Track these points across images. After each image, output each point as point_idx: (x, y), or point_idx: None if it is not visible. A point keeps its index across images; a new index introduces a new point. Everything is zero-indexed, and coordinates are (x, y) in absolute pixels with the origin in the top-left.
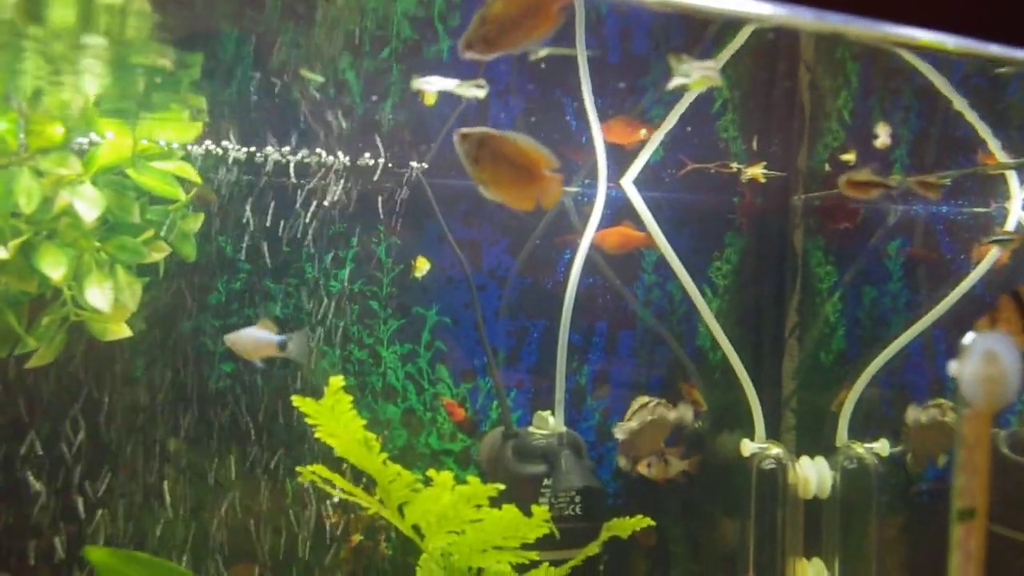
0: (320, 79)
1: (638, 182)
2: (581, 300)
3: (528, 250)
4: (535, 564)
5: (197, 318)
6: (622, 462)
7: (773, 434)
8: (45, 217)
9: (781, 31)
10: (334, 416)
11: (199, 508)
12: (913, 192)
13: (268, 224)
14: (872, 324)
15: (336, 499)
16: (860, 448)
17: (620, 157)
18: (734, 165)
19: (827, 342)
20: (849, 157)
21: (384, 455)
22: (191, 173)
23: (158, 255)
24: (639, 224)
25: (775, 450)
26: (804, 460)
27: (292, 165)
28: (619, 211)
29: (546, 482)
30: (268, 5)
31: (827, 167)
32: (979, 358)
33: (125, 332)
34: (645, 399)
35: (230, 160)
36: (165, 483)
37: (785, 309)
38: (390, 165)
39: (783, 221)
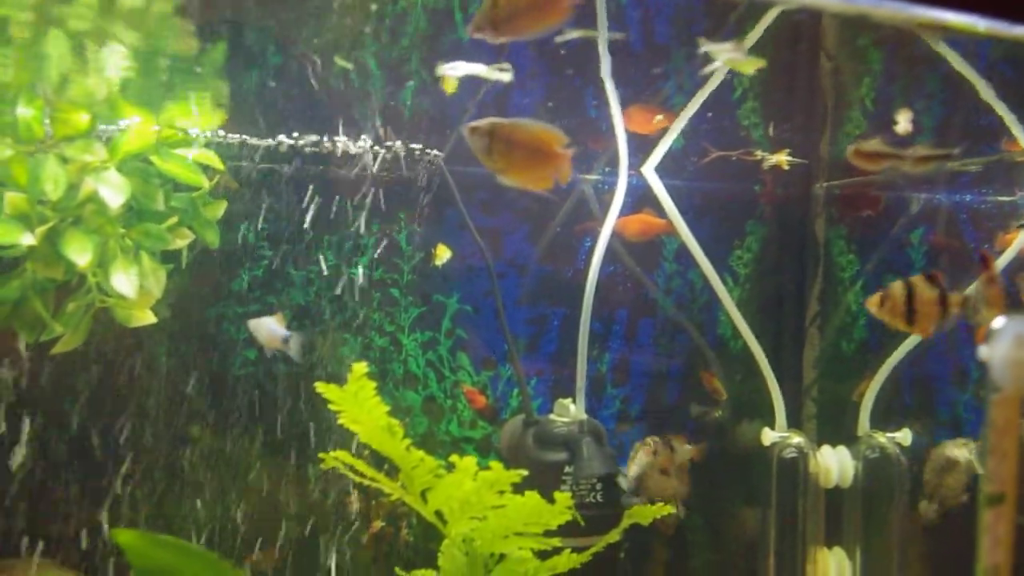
0: (350, 66)
1: (659, 169)
2: (602, 288)
3: (548, 238)
4: (557, 551)
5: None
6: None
7: (794, 423)
8: (71, 204)
9: (803, 17)
10: (358, 402)
11: (223, 493)
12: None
13: (288, 212)
14: None
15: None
16: (882, 437)
17: (641, 145)
18: (758, 153)
19: (849, 331)
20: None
21: (407, 441)
22: (214, 160)
23: (181, 242)
24: (660, 212)
25: (796, 439)
26: (825, 449)
27: (312, 153)
28: (640, 199)
29: (567, 470)
30: None
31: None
32: (1010, 342)
33: (150, 318)
34: (647, 440)
35: (251, 148)
36: (193, 469)
37: (807, 298)
38: (412, 153)
39: (805, 209)
